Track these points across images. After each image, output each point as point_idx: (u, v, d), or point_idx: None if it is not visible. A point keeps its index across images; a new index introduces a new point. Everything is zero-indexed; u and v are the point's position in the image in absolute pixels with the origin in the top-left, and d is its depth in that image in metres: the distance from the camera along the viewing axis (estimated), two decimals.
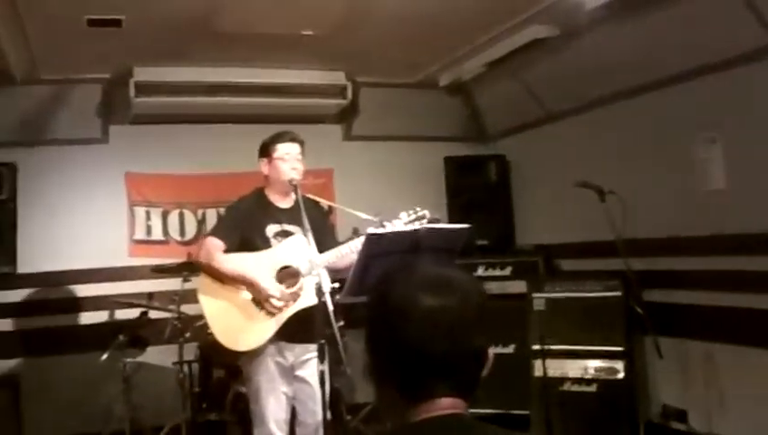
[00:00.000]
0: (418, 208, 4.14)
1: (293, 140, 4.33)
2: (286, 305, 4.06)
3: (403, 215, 4.11)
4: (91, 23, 5.02)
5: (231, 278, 4.11)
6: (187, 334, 5.46)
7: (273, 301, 4.03)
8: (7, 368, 6.04)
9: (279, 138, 4.33)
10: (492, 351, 1.54)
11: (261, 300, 4.06)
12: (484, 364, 1.53)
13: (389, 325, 1.51)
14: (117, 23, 5.07)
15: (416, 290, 1.50)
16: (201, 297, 4.17)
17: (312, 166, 4.43)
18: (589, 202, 5.07)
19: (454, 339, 1.46)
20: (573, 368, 5.47)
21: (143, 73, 6.11)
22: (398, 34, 5.57)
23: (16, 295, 6.26)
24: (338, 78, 6.63)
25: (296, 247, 4.13)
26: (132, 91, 6.06)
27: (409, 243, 3.61)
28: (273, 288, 4.03)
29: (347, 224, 5.31)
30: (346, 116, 7.18)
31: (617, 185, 5.04)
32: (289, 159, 4.25)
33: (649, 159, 5.46)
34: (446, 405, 1.47)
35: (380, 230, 3.86)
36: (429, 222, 4.11)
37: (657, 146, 5.41)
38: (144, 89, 6.10)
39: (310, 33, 5.52)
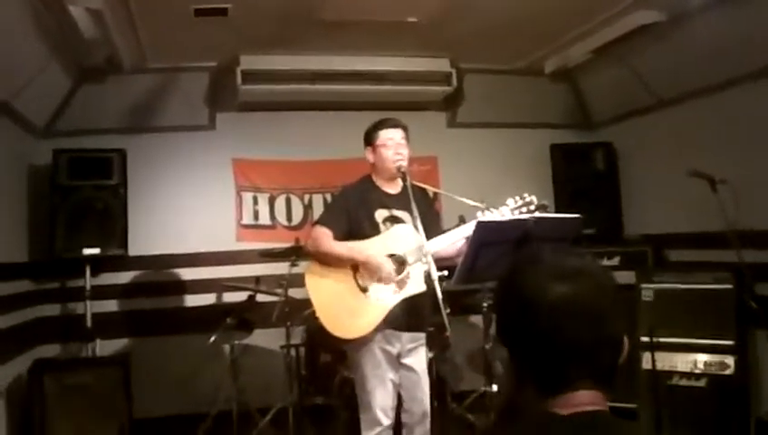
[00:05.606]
0: (526, 195, 4.07)
1: (395, 125, 4.28)
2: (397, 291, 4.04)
3: (510, 201, 4.04)
4: (198, 12, 5.12)
5: (343, 259, 4.09)
6: (294, 318, 5.54)
7: (385, 272, 4.00)
8: (118, 347, 6.25)
9: (380, 125, 4.30)
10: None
11: (373, 275, 4.04)
12: (621, 352, 1.49)
13: (523, 317, 1.48)
14: (223, 12, 5.16)
15: (547, 279, 1.47)
16: (309, 285, 4.14)
17: (417, 153, 4.40)
18: (699, 191, 4.88)
19: (589, 326, 1.43)
20: (682, 362, 5.30)
21: (249, 62, 6.22)
22: (502, 21, 5.51)
23: (127, 277, 6.48)
24: (442, 65, 6.61)
25: (404, 235, 4.10)
26: (239, 79, 6.17)
27: (520, 232, 3.56)
28: (387, 263, 4.01)
29: (452, 211, 5.28)
30: (451, 103, 7.15)
31: (729, 174, 4.85)
32: (392, 145, 4.22)
33: (763, 146, 5.26)
34: (587, 401, 1.43)
35: (491, 218, 3.82)
36: (537, 208, 4.03)
37: None
38: (250, 77, 6.21)
39: (414, 19, 5.51)
